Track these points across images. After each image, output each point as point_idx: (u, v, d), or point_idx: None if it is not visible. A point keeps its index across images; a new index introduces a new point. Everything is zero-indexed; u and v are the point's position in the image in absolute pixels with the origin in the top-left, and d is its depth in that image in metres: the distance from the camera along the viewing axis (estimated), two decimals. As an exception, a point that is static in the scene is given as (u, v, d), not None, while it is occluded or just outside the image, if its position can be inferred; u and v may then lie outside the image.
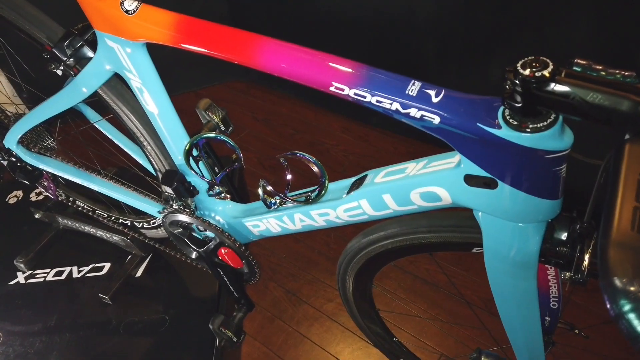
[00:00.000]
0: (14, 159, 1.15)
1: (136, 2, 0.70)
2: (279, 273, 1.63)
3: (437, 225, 0.73)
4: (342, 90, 0.60)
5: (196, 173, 0.95)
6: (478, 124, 0.54)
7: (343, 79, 0.60)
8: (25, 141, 1.11)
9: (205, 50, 0.67)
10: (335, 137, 2.11)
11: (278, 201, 0.90)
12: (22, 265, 1.42)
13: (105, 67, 0.82)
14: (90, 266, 1.42)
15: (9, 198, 1.66)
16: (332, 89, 0.61)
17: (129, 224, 1.36)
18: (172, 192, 0.98)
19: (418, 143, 1.99)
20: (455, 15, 1.60)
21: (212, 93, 2.40)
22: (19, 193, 1.67)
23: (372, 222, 0.81)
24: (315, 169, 0.83)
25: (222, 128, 1.03)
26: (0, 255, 1.47)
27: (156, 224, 1.28)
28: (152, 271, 1.40)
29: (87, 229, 1.43)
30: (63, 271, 1.41)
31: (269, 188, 0.87)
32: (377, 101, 0.59)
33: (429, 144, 1.98)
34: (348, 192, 0.77)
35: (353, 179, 0.80)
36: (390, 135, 2.06)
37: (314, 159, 0.83)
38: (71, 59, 0.83)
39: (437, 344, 1.39)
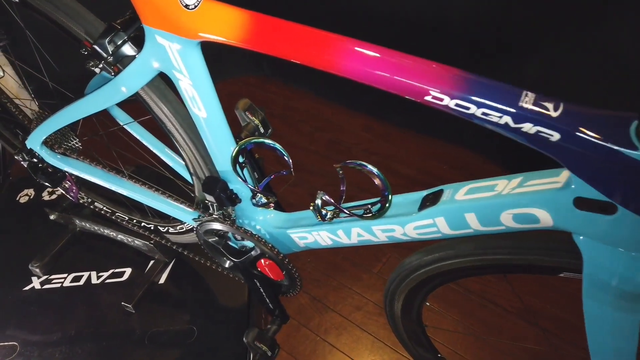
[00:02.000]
0: (35, 160, 1.07)
1: (197, -4, 0.63)
2: (303, 279, 1.55)
3: (523, 247, 0.67)
4: (441, 100, 0.53)
5: (243, 180, 0.88)
6: (606, 143, 0.47)
7: (443, 88, 0.53)
8: (50, 142, 1.03)
9: (279, 53, 0.60)
10: (355, 135, 2.04)
11: (331, 213, 0.84)
12: (37, 270, 1.34)
13: (152, 65, 0.75)
14: (110, 271, 1.34)
15: (20, 197, 1.58)
16: (428, 98, 0.54)
17: (152, 228, 1.28)
18: (214, 201, 0.91)
19: (443, 144, 1.93)
20: (488, 12, 1.53)
21: (226, 87, 2.32)
22: (30, 191, 1.59)
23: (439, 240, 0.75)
24: (377, 181, 0.76)
25: (262, 130, 0.96)
26: (13, 259, 1.40)
27: (184, 230, 1.21)
28: (176, 278, 1.33)
29: (107, 232, 1.36)
30: (81, 276, 1.34)
31: (326, 197, 0.80)
32: (484, 114, 0.52)
33: (454, 145, 1.92)
34: (420, 208, 0.71)
35: (424, 193, 0.74)
36: (412, 135, 2.00)
37: (376, 169, 0.76)
38: (112, 57, 0.76)
39: (473, 356, 1.33)
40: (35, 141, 1.02)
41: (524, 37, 1.52)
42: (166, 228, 1.26)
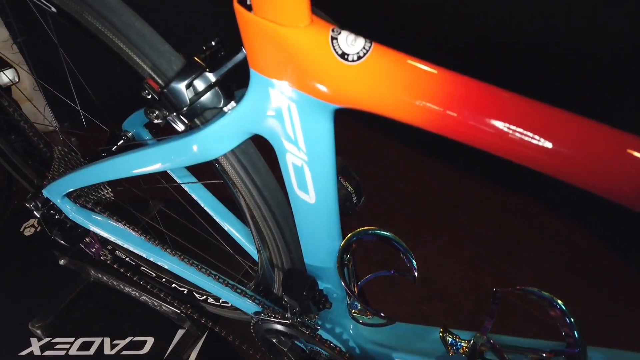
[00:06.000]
0: (52, 211, 0.82)
1: (363, 41, 0.37)
2: None
3: None
4: None
5: (345, 284, 0.62)
6: None
7: None
8: (74, 193, 0.78)
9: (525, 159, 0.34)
10: (410, 176, 1.79)
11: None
12: (38, 331, 1.08)
13: (250, 126, 0.49)
14: (128, 340, 1.08)
15: (25, 228, 1.32)
16: None
17: (185, 292, 1.03)
18: (296, 306, 0.66)
19: (517, 196, 1.67)
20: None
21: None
22: (37, 222, 1.33)
23: None
24: (564, 328, 0.51)
25: (354, 200, 0.71)
26: (10, 312, 1.14)
27: (230, 305, 0.95)
28: (210, 356, 1.06)
29: (128, 289, 1.10)
30: (91, 343, 1.08)
31: (489, 339, 0.54)
32: None
33: (532, 200, 1.65)
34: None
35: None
36: (478, 181, 1.74)
37: (564, 305, 0.51)
38: (189, 107, 0.50)
39: None
40: (55, 192, 0.76)
41: None
42: (204, 297, 1.00)
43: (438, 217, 1.63)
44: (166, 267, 0.80)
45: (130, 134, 0.84)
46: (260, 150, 0.61)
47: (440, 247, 1.53)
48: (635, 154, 0.32)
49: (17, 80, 1.28)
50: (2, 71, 1.19)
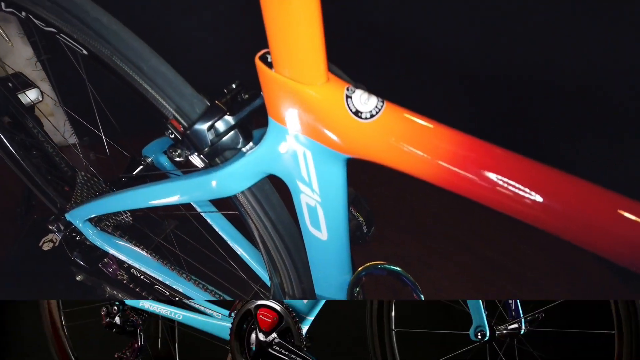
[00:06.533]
0: (74, 234, 0.85)
1: (376, 100, 0.40)
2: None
3: None
4: None
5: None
6: None
7: None
8: (95, 217, 0.81)
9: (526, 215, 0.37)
10: (425, 196, 1.79)
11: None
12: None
13: (266, 167, 0.52)
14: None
15: (43, 243, 1.35)
16: None
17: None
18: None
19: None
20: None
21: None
22: (56, 237, 1.36)
23: None
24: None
25: (364, 229, 0.74)
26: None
27: (240, 327, 0.97)
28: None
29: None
30: None
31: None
32: None
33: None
34: None
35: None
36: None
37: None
38: (210, 148, 0.53)
39: None
40: (77, 217, 0.80)
41: None
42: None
43: (446, 239, 1.65)
44: (181, 290, 0.83)
45: (149, 160, 0.87)
46: (275, 186, 0.64)
47: (448, 270, 1.54)
48: (626, 214, 0.33)
49: (41, 100, 1.32)
50: (25, 92, 1.22)
